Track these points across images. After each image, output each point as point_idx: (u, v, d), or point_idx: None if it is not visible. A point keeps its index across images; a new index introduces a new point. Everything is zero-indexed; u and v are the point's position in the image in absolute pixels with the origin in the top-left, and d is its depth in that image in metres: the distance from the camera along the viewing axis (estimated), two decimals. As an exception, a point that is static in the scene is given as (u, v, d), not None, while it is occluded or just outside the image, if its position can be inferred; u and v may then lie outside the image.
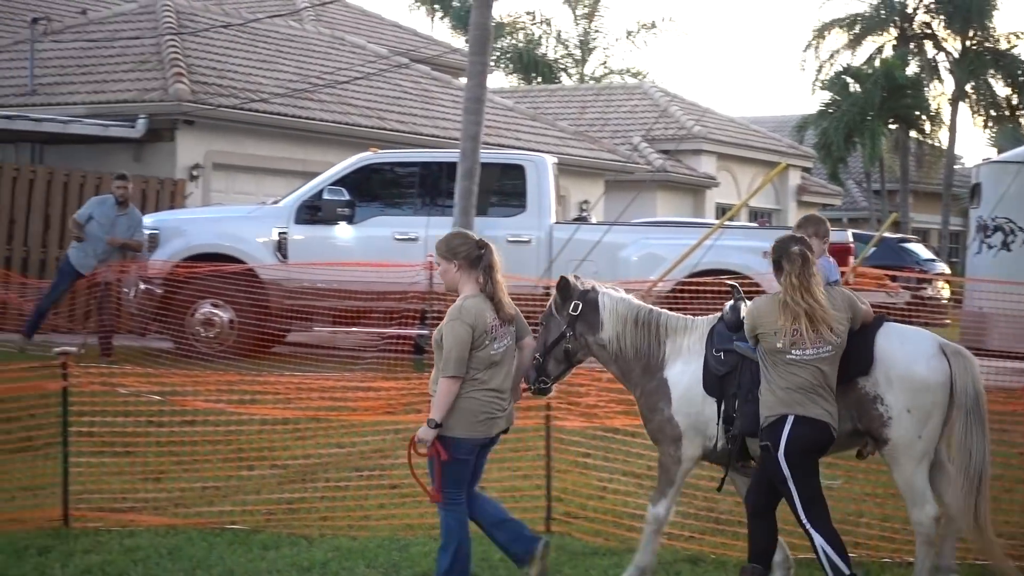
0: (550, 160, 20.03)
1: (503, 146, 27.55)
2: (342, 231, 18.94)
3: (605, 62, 62.69)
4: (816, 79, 51.74)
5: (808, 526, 8.13)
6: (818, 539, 8.09)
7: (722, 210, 38.03)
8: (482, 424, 8.55)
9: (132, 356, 17.32)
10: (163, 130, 24.99)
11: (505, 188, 19.89)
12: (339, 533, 10.09)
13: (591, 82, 57.86)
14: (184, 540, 9.89)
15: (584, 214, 26.92)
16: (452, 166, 18.90)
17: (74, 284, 18.16)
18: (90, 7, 34.19)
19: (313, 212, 18.87)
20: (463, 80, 31.72)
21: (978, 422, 8.48)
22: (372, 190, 19.47)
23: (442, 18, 59.45)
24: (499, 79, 59.25)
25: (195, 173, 25.11)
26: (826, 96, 50.69)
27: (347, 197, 18.82)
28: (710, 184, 39.76)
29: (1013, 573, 8.63)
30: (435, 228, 18.64)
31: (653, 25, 61.46)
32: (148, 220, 19.37)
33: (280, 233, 18.73)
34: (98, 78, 26.64)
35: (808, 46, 52.00)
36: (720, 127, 42.07)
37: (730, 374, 8.63)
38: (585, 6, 61.46)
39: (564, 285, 9.04)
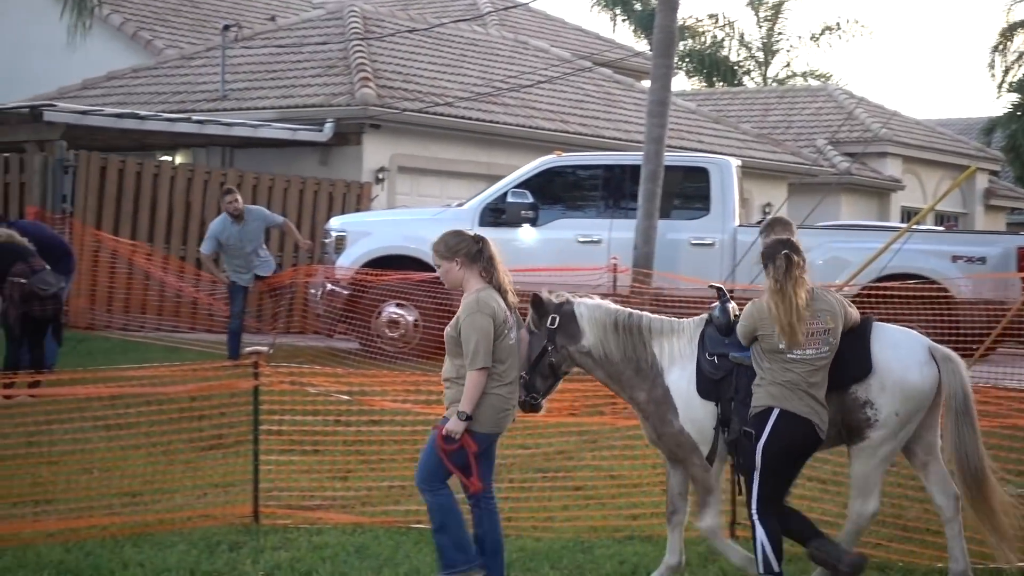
0: (734, 163, 19.92)
1: (686, 149, 27.44)
2: (525, 234, 19.02)
3: (788, 64, 62.04)
4: (1003, 81, 50.67)
5: (756, 518, 8.33)
6: (761, 533, 8.30)
7: (907, 214, 37.47)
8: (502, 419, 8.61)
9: (320, 357, 17.58)
10: (350, 134, 25.33)
11: (688, 191, 19.81)
12: (523, 534, 10.14)
13: (774, 84, 57.34)
14: (371, 538, 10.03)
15: (768, 217, 26.73)
16: (635, 169, 18.89)
17: (247, 298, 18.25)
18: (279, 14, 34.80)
19: (497, 215, 18.97)
20: (645, 83, 31.74)
21: (968, 423, 8.68)
22: (555, 193, 19.53)
23: (624, 21, 59.29)
24: (682, 82, 59.05)
25: (381, 176, 25.41)
26: (1014, 98, 49.64)
27: (531, 200, 18.89)
28: (896, 187, 39.16)
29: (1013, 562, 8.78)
30: (618, 231, 18.68)
31: (837, 27, 60.63)
32: (336, 223, 19.65)
33: (465, 236, 18.86)
34: (286, 83, 27.09)
35: (995, 48, 50.91)
36: (906, 130, 41.44)
37: (726, 378, 8.72)
38: (769, 8, 60.92)
39: (538, 302, 9.04)
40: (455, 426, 8.40)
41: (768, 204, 31.36)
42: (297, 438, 11.78)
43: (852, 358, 8.54)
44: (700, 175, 19.42)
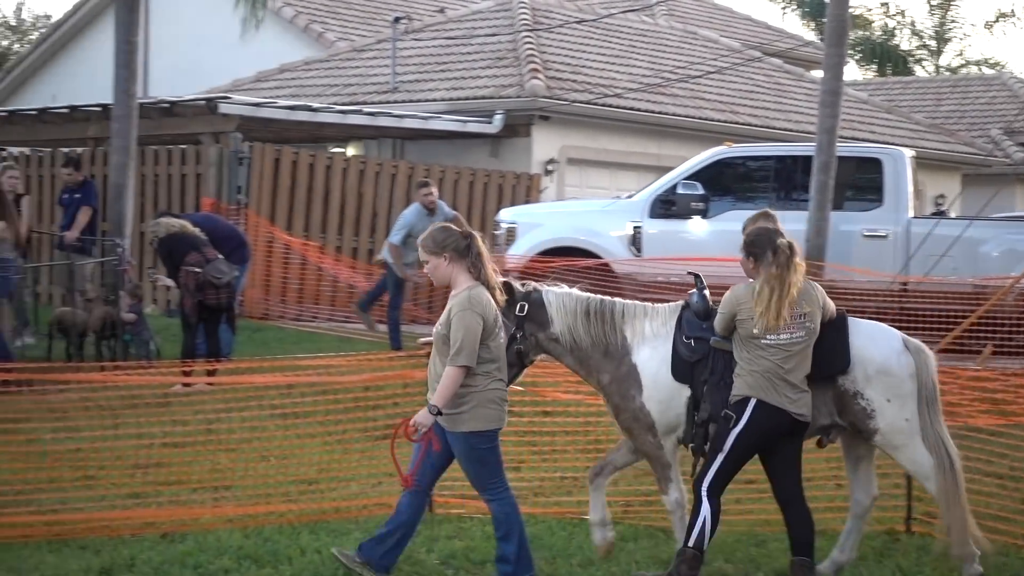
0: (907, 153, 19.64)
1: (857, 139, 27.09)
2: (696, 225, 18.93)
3: (961, 52, 60.96)
4: None
5: (704, 493, 8.52)
6: (706, 509, 8.50)
7: (1087, 205, 36.62)
8: (503, 413, 8.61)
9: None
10: (519, 125, 25.41)
11: (861, 182, 19.59)
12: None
13: (947, 73, 56.38)
14: (544, 529, 10.06)
15: (941, 208, 26.29)
16: (807, 160, 18.71)
17: (404, 287, 18.30)
18: (448, 5, 34.99)
19: (667, 206, 18.90)
20: (815, 73, 31.42)
21: (936, 412, 8.93)
22: (726, 184, 19.40)
23: (793, 10, 58.72)
24: (853, 71, 58.25)
25: (550, 168, 25.47)
26: None
27: (701, 191, 18.79)
28: (1073, 178, 38.31)
29: (970, 552, 8.83)
30: (790, 223, 18.31)
31: (1012, 14, 59.46)
32: (506, 215, 19.72)
33: (635, 227, 18.82)
34: (456, 75, 27.25)
35: None
36: (1085, 118, 40.48)
37: (701, 361, 8.85)
38: (941, -4, 59.89)
39: (507, 289, 8.96)
40: (423, 418, 8.43)
41: (941, 196, 30.83)
42: (471, 429, 11.81)
43: (832, 351, 8.75)
44: (873, 166, 19.19)
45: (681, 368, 8.90)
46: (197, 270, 15.24)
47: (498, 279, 8.72)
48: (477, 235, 8.69)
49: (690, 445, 8.94)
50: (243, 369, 12.92)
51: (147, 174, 22.30)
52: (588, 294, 9.25)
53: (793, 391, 8.53)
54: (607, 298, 9.26)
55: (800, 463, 8.80)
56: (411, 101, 26.42)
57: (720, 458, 8.56)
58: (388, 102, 26.44)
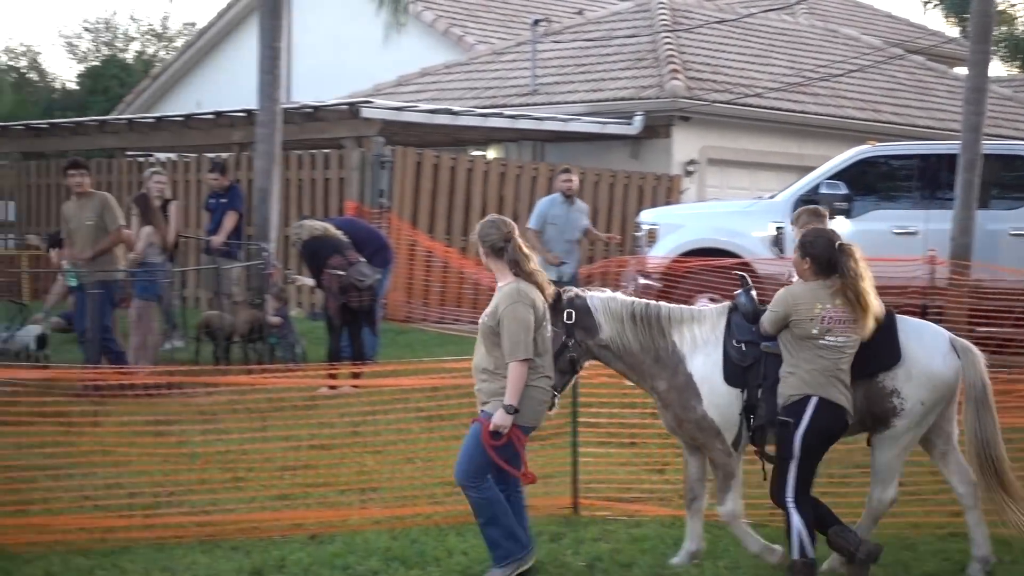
0: (1055, 150, 19.30)
1: (1002, 137, 26.64)
2: (839, 225, 18.71)
3: (1109, 47, 59.69)
4: None
5: (791, 505, 8.51)
6: (797, 520, 8.49)
7: None
8: (541, 412, 8.61)
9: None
10: (659, 126, 25.36)
11: (1007, 180, 19.24)
12: (843, 530, 10.00)
13: (1094, 68, 55.26)
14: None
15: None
16: (952, 158, 18.43)
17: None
18: (587, 7, 35.01)
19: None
20: (958, 70, 30.96)
21: (987, 411, 8.95)
22: (869, 184, 19.14)
23: (935, 6, 57.93)
24: (996, 68, 57.33)
25: (690, 169, 25.38)
26: None
27: (845, 191, 18.57)
28: None
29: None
30: (935, 222, 18.24)
31: None
32: (647, 216, 19.66)
33: (777, 228, 18.66)
34: (596, 77, 27.24)
35: None
36: None
37: (753, 365, 8.84)
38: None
39: (557, 297, 8.94)
40: (502, 420, 8.41)
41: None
42: (614, 431, 11.83)
43: (881, 347, 8.74)
44: (1020, 163, 18.87)
45: (734, 373, 8.91)
46: (340, 273, 15.40)
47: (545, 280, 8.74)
48: (515, 232, 8.72)
49: (754, 449, 9.00)
50: (388, 372, 13.02)
51: (291, 178, 22.56)
52: (633, 298, 9.28)
53: (847, 390, 8.61)
54: (652, 302, 9.28)
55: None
56: (551, 103, 26.46)
57: (793, 465, 8.56)
58: (528, 104, 26.51)
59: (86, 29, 62.87)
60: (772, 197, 19.70)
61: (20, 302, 17.33)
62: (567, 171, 18.40)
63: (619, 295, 9.29)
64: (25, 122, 29.63)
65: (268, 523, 9.97)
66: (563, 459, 10.94)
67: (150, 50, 63.54)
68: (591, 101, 26.09)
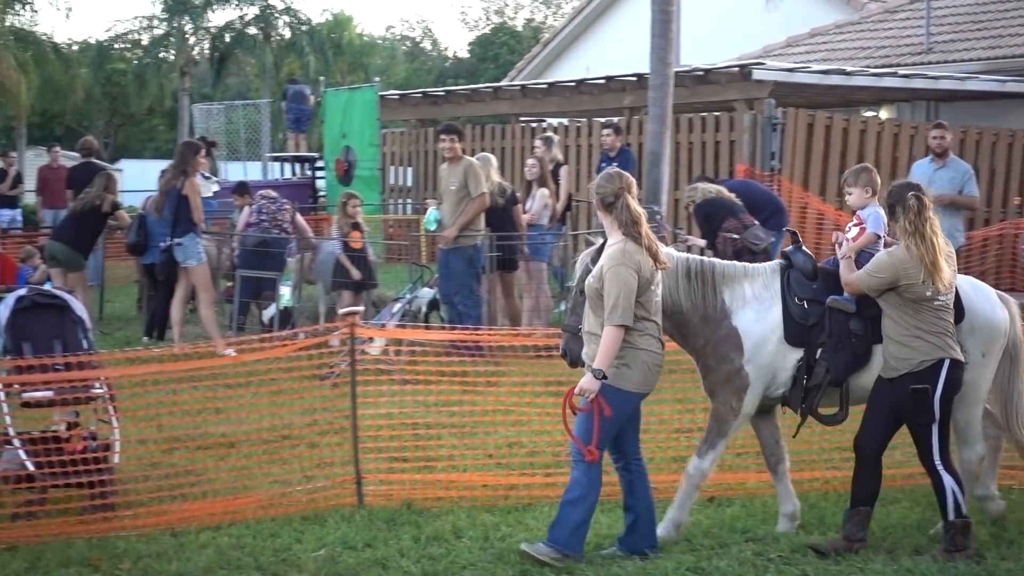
0: None
1: None
2: None
3: None
4: None
5: (940, 467, 8.49)
6: (949, 480, 8.48)
7: None
8: (654, 376, 8.24)
9: None
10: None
11: None
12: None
13: None
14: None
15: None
16: None
17: None
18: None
19: None
20: None
21: (1018, 367, 9.15)
22: None
23: None
24: None
25: (1094, 126, 24.36)
26: None
27: None
28: None
29: None
30: None
31: None
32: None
33: None
34: (994, 33, 26.46)
35: None
36: None
37: (817, 324, 8.72)
38: None
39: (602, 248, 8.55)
40: (588, 384, 8.14)
41: None
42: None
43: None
44: None
45: (795, 332, 8.81)
46: (735, 236, 15.35)
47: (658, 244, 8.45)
48: (632, 192, 8.44)
49: (799, 407, 8.94)
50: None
51: (681, 142, 22.59)
52: (687, 255, 9.08)
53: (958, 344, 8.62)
54: (706, 259, 9.08)
55: None
56: (945, 62, 25.80)
57: (935, 428, 8.51)
58: (922, 64, 25.88)
59: (476, -2, 64.29)
60: None
61: (422, 265, 17.87)
62: (940, 125, 17.56)
63: (672, 250, 9.12)
64: (422, 90, 30.53)
65: (665, 484, 10.02)
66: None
67: (539, 17, 64.54)
68: (989, 59, 25.33)
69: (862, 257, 9.02)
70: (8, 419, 9.85)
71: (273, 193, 18.65)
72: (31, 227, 26.90)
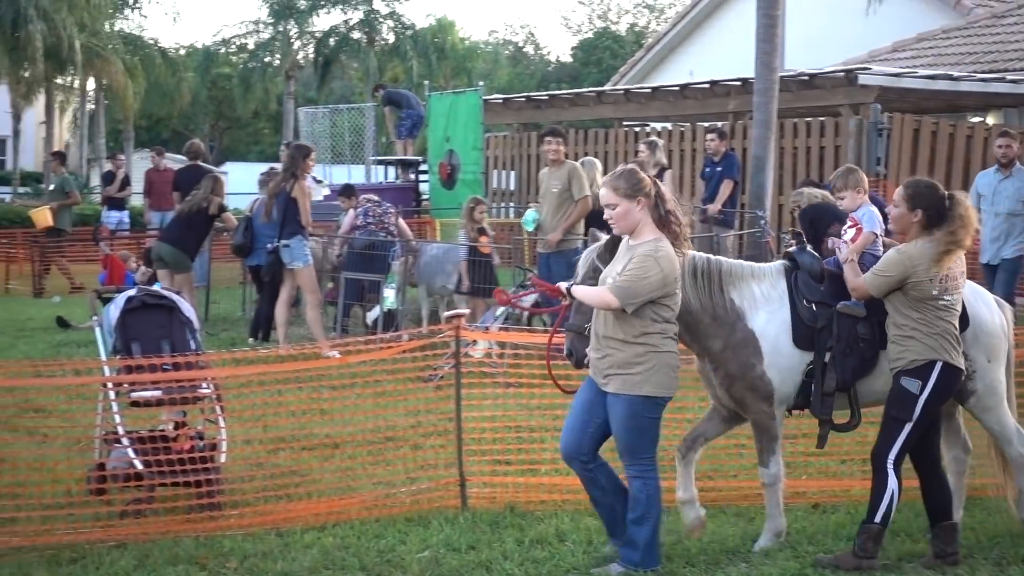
0: None
1: None
2: None
3: None
4: None
5: (890, 467, 8.28)
6: (893, 482, 8.30)
7: None
8: (675, 380, 8.09)
9: None
10: None
11: None
12: None
13: None
14: None
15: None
16: None
17: None
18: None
19: None
20: None
21: (1011, 371, 8.98)
22: None
23: None
24: None
25: None
26: None
27: None
28: None
29: None
30: None
31: None
32: None
33: None
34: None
35: None
36: None
37: (826, 327, 8.54)
38: None
39: (611, 245, 8.40)
40: (548, 288, 8.48)
41: None
42: None
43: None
44: None
45: (804, 334, 8.60)
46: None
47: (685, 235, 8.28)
48: (664, 186, 8.33)
49: (818, 415, 8.72)
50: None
51: (785, 146, 22.49)
52: (695, 253, 8.75)
53: (961, 351, 8.40)
54: (712, 257, 8.84)
55: None
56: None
57: (908, 428, 8.30)
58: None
59: (580, 3, 64.39)
60: None
61: (525, 268, 17.90)
62: (1003, 134, 16.64)
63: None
64: (526, 94, 30.57)
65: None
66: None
67: (642, 22, 64.42)
68: None
69: (863, 258, 8.89)
70: (117, 418, 9.98)
71: (375, 197, 18.75)
72: (138, 229, 27.26)
